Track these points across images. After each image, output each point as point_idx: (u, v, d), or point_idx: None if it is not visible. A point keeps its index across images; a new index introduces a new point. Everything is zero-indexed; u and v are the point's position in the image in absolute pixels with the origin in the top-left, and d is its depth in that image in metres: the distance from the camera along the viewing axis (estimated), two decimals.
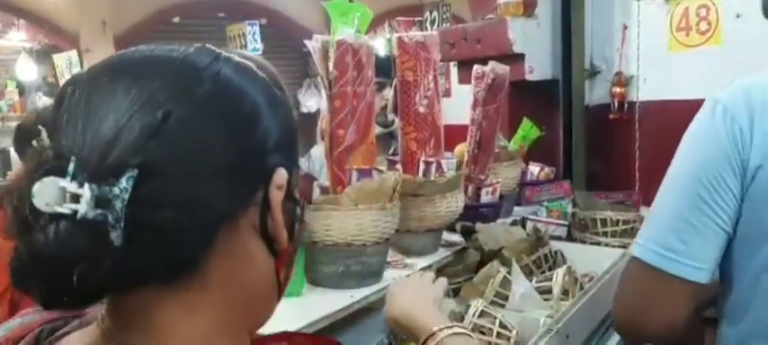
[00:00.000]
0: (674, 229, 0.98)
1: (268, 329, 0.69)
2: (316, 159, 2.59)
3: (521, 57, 2.63)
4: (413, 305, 1.14)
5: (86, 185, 0.49)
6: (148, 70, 0.56)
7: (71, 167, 0.49)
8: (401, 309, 1.14)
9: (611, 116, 2.80)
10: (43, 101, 7.02)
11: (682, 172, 1.01)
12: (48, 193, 0.49)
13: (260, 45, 7.16)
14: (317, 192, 1.52)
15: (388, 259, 1.63)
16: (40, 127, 2.09)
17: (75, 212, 0.48)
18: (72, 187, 0.49)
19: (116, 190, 0.49)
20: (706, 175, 0.97)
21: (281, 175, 0.59)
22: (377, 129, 2.86)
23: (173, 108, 0.53)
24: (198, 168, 0.53)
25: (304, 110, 8.49)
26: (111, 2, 6.78)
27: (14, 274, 0.51)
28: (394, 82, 2.10)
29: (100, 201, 0.49)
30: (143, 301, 0.56)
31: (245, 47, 7.00)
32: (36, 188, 0.48)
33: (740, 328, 1.01)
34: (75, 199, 0.49)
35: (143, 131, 0.51)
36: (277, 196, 0.58)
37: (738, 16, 2.49)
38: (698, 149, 1.00)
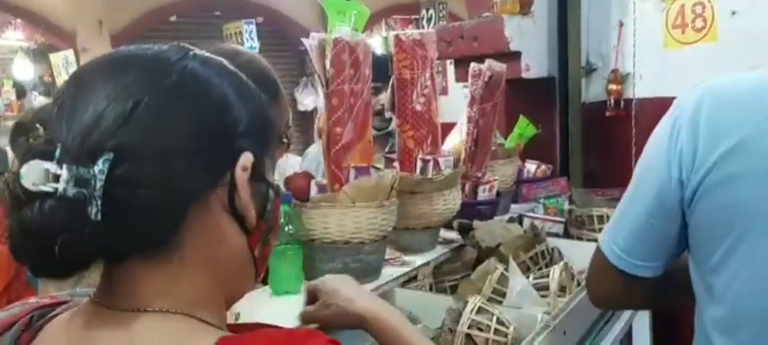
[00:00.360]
0: (632, 233, 1.03)
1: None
2: (313, 157, 2.60)
3: (517, 54, 2.63)
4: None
5: (66, 167, 0.56)
6: (125, 65, 0.64)
7: (58, 152, 0.57)
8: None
9: (607, 113, 2.81)
10: (39, 100, 7.01)
11: (637, 186, 1.04)
12: (34, 174, 0.56)
13: (256, 43, 7.16)
14: (314, 190, 1.53)
15: (386, 256, 1.63)
16: (37, 125, 2.09)
17: (56, 190, 0.56)
18: (54, 168, 0.56)
19: (94, 171, 0.57)
20: (654, 202, 0.99)
21: (246, 158, 0.64)
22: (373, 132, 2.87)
23: (143, 97, 0.59)
24: (167, 150, 0.60)
25: (301, 108, 8.50)
26: (108, 1, 6.77)
27: (10, 246, 0.59)
28: (391, 79, 2.11)
29: (79, 181, 0.56)
30: (128, 271, 0.63)
31: (242, 45, 6.99)
32: (24, 169, 0.56)
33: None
34: (57, 179, 0.56)
35: (116, 119, 0.58)
36: (242, 176, 0.64)
37: (734, 13, 2.50)
38: (650, 166, 1.01)
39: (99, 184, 0.56)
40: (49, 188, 0.56)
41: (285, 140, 1.57)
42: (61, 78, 6.57)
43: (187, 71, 0.64)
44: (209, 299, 0.66)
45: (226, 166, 0.64)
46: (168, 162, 0.59)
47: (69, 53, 6.47)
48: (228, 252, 0.66)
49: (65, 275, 0.61)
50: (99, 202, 0.56)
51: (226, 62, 0.70)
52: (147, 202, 0.58)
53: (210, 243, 0.64)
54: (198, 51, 0.68)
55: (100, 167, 0.56)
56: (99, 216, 0.56)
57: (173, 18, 7.49)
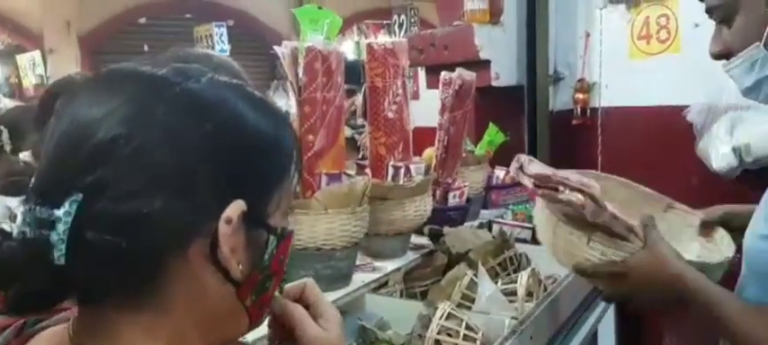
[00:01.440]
0: None
1: None
2: None
3: (487, 63, 2.68)
4: None
5: (27, 207, 0.53)
6: (114, 90, 0.58)
7: (30, 187, 0.54)
8: None
9: (574, 121, 2.87)
10: (5, 103, 6.87)
11: None
12: None
13: (227, 46, 7.12)
14: None
15: (358, 262, 1.65)
16: (1, 127, 2.06)
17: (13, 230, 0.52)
18: (15, 207, 0.53)
19: (58, 213, 0.52)
20: None
21: (234, 208, 0.58)
22: (347, 131, 2.89)
23: (124, 131, 0.54)
24: (143, 194, 0.54)
25: None
26: (76, 2, 6.68)
27: None
28: (363, 87, 2.13)
29: (41, 222, 0.52)
30: (104, 315, 0.58)
31: (213, 48, 6.95)
32: None
33: None
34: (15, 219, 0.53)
35: (91, 155, 0.54)
36: (225, 229, 0.57)
37: (697, 26, 2.57)
38: None
39: (64, 227, 0.52)
40: (7, 227, 0.53)
41: None
42: (27, 79, 6.46)
43: (180, 101, 0.58)
44: None
45: (210, 215, 0.58)
46: (143, 207, 0.54)
47: (36, 54, 6.38)
48: (212, 303, 0.61)
49: (33, 311, 0.57)
50: (64, 246, 0.52)
51: (237, 87, 0.63)
52: (117, 249, 0.54)
53: (191, 295, 0.60)
54: (204, 75, 0.61)
55: (66, 209, 0.52)
56: (62, 261, 0.52)
57: (142, 20, 7.42)
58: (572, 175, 1.21)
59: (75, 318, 0.61)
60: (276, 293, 0.71)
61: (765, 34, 1.02)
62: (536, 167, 1.26)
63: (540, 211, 1.38)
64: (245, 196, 0.59)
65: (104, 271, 0.55)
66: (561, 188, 1.16)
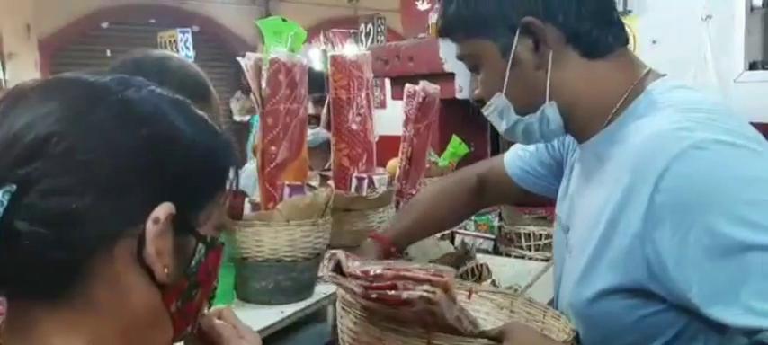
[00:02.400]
0: None
1: None
2: (250, 174, 2.59)
3: (451, 75, 2.71)
4: None
5: None
6: (56, 92, 0.60)
7: None
8: None
9: None
10: None
11: None
12: None
13: (192, 52, 7.04)
14: (247, 209, 1.53)
15: (319, 273, 1.65)
16: None
17: None
18: None
19: None
20: None
21: (162, 209, 0.60)
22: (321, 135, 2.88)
23: (59, 129, 0.57)
24: (73, 190, 0.56)
25: (236, 118, 8.41)
26: (36, 5, 6.55)
27: None
28: (327, 98, 2.13)
29: None
30: (29, 311, 0.60)
31: (177, 54, 6.87)
32: None
33: None
34: None
35: (27, 149, 0.56)
36: (152, 228, 0.59)
37: (654, 42, 2.65)
38: None
39: None
40: None
41: None
42: None
43: (118, 107, 0.60)
44: None
45: (139, 215, 0.59)
46: (72, 201, 0.56)
47: None
48: (136, 306, 0.62)
49: None
50: None
51: (178, 102, 0.65)
52: (46, 241, 0.56)
53: (116, 295, 0.61)
54: (146, 86, 0.64)
55: (0, 198, 0.54)
56: None
57: (105, 24, 7.31)
58: (413, 266, 0.93)
59: (4, 318, 0.62)
60: (205, 310, 0.73)
61: (505, 84, 1.05)
62: (360, 263, 0.95)
63: (352, 322, 1.01)
64: (176, 201, 0.61)
65: (32, 264, 0.57)
66: (401, 285, 0.86)
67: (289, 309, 1.49)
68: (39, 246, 0.56)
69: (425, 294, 0.84)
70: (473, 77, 1.14)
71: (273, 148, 1.51)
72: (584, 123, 1.07)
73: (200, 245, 0.65)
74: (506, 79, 1.05)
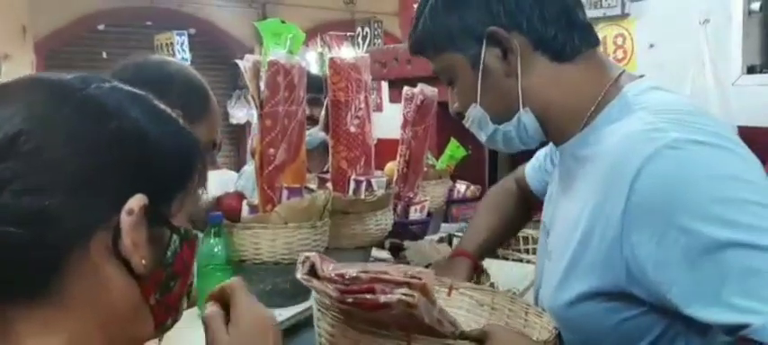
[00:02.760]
0: None
1: None
2: (249, 176, 2.59)
3: None
4: None
5: None
6: (23, 92, 0.62)
7: None
8: None
9: None
10: None
11: None
12: None
13: (189, 55, 7.04)
14: (246, 211, 1.53)
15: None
16: None
17: None
18: None
19: None
20: None
21: (135, 200, 0.61)
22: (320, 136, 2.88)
23: (27, 127, 0.58)
24: (44, 187, 0.57)
25: (233, 121, 8.40)
26: (32, 7, 6.53)
27: None
28: (326, 100, 2.13)
29: None
30: (5, 313, 0.59)
31: (174, 56, 6.87)
32: None
33: None
34: None
35: None
36: (127, 220, 0.61)
37: (651, 46, 2.65)
38: None
39: None
40: None
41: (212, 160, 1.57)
42: None
43: (83, 104, 0.62)
44: None
45: (111, 208, 0.61)
46: (44, 198, 0.57)
47: None
48: (114, 299, 0.63)
49: None
50: None
51: (139, 96, 0.67)
52: (19, 241, 0.56)
53: (93, 290, 0.61)
54: (107, 82, 0.65)
55: None
56: None
57: (101, 26, 7.29)
58: (390, 268, 0.88)
59: None
60: (185, 306, 0.74)
61: (478, 94, 1.08)
62: (334, 266, 0.91)
63: (329, 325, 0.98)
64: (147, 193, 0.62)
65: (6, 265, 0.57)
66: (378, 288, 0.82)
67: (286, 312, 1.48)
68: (13, 246, 0.56)
69: (404, 297, 0.81)
70: (451, 91, 1.17)
71: (272, 150, 1.50)
72: (560, 127, 1.08)
73: (175, 236, 0.67)
74: (479, 89, 1.07)
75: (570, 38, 1.05)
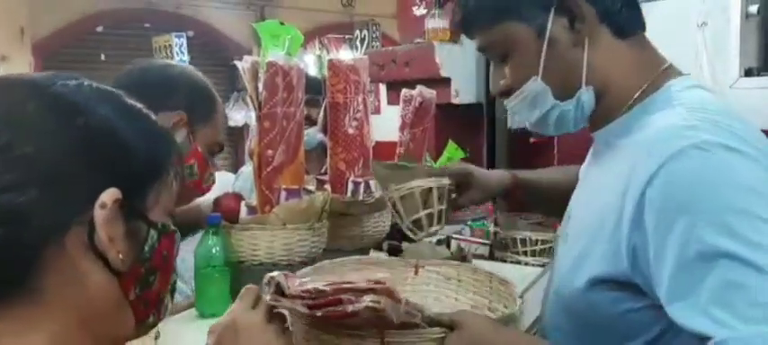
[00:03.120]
0: None
1: None
2: (247, 177, 2.59)
3: (447, 81, 2.70)
4: None
5: None
6: None
7: None
8: None
9: (532, 139, 2.91)
10: None
11: None
12: None
13: (187, 57, 7.04)
14: (244, 212, 1.53)
15: (267, 297, 1.64)
16: None
17: None
18: None
19: None
20: None
21: (108, 195, 0.61)
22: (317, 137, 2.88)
23: None
24: (16, 185, 0.58)
25: (231, 123, 8.39)
26: (31, 8, 6.52)
27: None
28: (324, 102, 2.13)
29: None
30: None
31: (172, 58, 6.87)
32: None
33: None
34: None
35: None
36: (100, 214, 0.61)
37: None
38: None
39: None
40: None
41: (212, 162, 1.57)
42: None
43: (50, 100, 0.62)
44: (72, 343, 0.63)
45: (85, 203, 0.61)
46: (17, 196, 0.57)
47: None
48: (94, 295, 0.63)
49: None
50: None
51: (107, 92, 0.67)
52: None
53: (71, 286, 0.61)
54: (73, 79, 0.66)
55: None
56: None
57: (100, 28, 7.28)
58: (353, 277, 0.96)
59: None
60: (169, 303, 0.74)
61: (541, 67, 1.03)
62: (300, 282, 0.93)
63: (303, 331, 0.96)
64: (120, 187, 0.63)
65: None
66: (345, 298, 0.85)
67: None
68: None
69: (371, 304, 0.83)
70: (497, 69, 1.11)
71: (270, 152, 1.50)
72: (606, 110, 1.05)
73: (152, 231, 0.67)
74: (542, 61, 1.02)
75: (632, 14, 1.03)
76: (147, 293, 0.68)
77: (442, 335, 0.91)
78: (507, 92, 1.10)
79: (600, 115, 1.06)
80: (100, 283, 0.63)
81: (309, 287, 0.89)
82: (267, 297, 0.93)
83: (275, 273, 0.94)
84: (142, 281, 0.67)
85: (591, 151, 1.16)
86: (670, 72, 1.04)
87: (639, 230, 0.88)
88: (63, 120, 0.61)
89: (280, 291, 0.92)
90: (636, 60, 1.04)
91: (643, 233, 0.88)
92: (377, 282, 0.87)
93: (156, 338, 1.14)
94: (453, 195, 1.50)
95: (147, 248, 0.66)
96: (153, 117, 0.71)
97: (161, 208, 0.69)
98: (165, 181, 0.70)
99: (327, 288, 0.87)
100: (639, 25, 1.06)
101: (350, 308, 0.84)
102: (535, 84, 1.04)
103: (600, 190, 1.00)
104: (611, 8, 1.02)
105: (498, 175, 1.60)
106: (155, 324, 0.73)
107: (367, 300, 0.84)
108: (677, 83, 1.01)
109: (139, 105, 0.70)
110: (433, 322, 0.92)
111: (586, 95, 1.03)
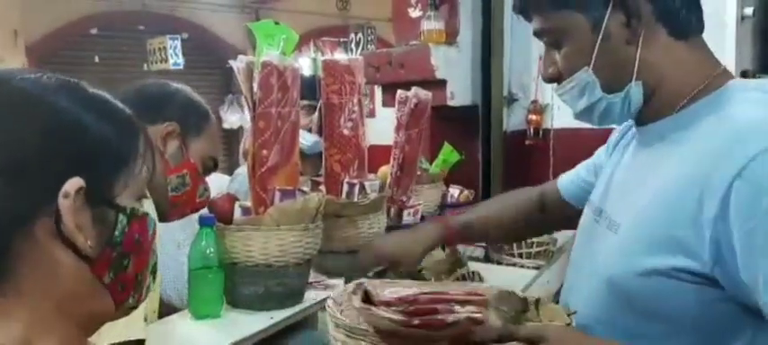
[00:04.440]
0: None
1: None
2: (243, 179, 2.57)
3: (442, 83, 2.70)
4: None
5: None
6: None
7: None
8: None
9: (527, 142, 2.91)
10: None
11: None
12: None
13: (181, 59, 7.02)
14: (238, 213, 1.51)
15: (310, 279, 1.63)
16: None
17: None
18: None
19: None
20: None
21: (71, 184, 0.62)
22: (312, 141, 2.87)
23: None
24: None
25: (226, 125, 8.36)
26: (24, 11, 6.48)
27: None
28: (319, 103, 2.12)
29: None
30: None
31: (166, 61, 6.84)
32: None
33: None
34: None
35: None
36: (64, 202, 0.62)
37: None
38: None
39: None
40: None
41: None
42: None
43: (10, 94, 0.64)
44: (52, 331, 0.64)
45: (49, 193, 0.62)
46: None
47: None
48: (66, 281, 0.65)
49: None
50: None
51: (67, 82, 0.69)
52: None
53: (44, 273, 0.63)
54: (33, 73, 0.67)
55: None
56: None
57: (94, 30, 7.23)
58: (453, 288, 0.93)
59: None
60: (151, 284, 0.75)
61: (594, 59, 1.05)
62: (394, 290, 0.90)
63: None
64: (84, 175, 0.64)
65: None
66: (441, 308, 0.83)
67: (278, 315, 1.47)
68: None
69: (472, 315, 0.82)
70: (548, 53, 1.13)
71: (265, 152, 1.49)
72: (658, 105, 1.07)
73: (121, 215, 0.68)
74: (595, 53, 1.05)
75: (691, 16, 1.05)
76: (121, 276, 0.69)
77: None
78: (555, 78, 1.12)
79: (651, 109, 1.08)
80: (71, 269, 0.65)
81: (402, 295, 0.87)
82: (356, 305, 0.89)
83: (362, 280, 0.93)
84: (115, 265, 0.68)
85: (634, 142, 1.17)
86: (726, 75, 1.06)
87: (724, 222, 0.89)
88: (21, 114, 0.63)
89: (368, 299, 0.89)
90: (692, 61, 1.05)
91: (727, 225, 0.88)
92: (476, 294, 0.86)
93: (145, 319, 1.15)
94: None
95: (117, 233, 0.68)
96: (118, 105, 0.72)
97: (130, 193, 0.70)
98: (133, 166, 0.71)
99: (421, 297, 0.86)
100: (698, 28, 1.07)
101: (450, 318, 0.82)
102: (585, 75, 1.06)
103: (662, 179, 1.01)
104: (670, 8, 1.03)
105: (424, 235, 1.59)
106: (135, 305, 0.74)
107: (468, 310, 0.82)
108: (738, 83, 1.03)
109: (103, 94, 0.71)
110: (521, 337, 0.89)
111: (635, 90, 1.05)
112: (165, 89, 1.56)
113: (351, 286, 0.92)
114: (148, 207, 0.75)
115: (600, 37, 1.04)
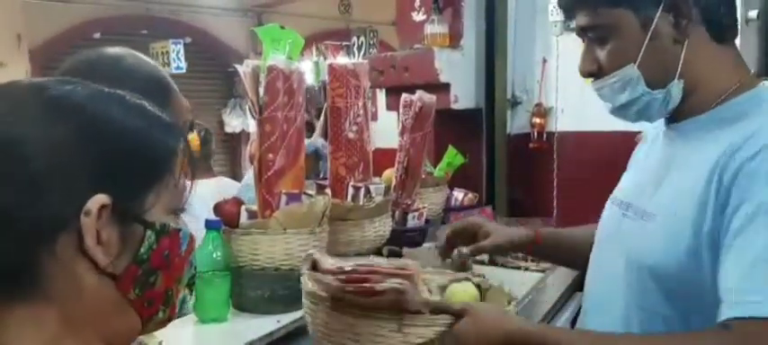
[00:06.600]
0: None
1: None
2: (251, 189, 2.58)
3: (446, 86, 2.70)
4: None
5: None
6: None
7: None
8: None
9: (531, 145, 2.91)
10: None
11: None
12: None
13: (184, 64, 7.03)
14: (244, 216, 1.52)
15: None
16: None
17: None
18: None
19: None
20: None
21: (93, 201, 0.61)
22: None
23: None
24: (6, 186, 0.59)
25: (228, 129, 8.38)
26: (27, 15, 6.49)
27: None
28: (324, 106, 2.13)
29: None
30: None
31: (169, 66, 6.85)
32: None
33: None
34: None
35: None
36: (85, 220, 0.60)
37: None
38: None
39: None
40: None
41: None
42: None
43: (42, 107, 0.62)
44: (80, 341, 0.64)
45: (74, 210, 0.61)
46: (5, 198, 0.59)
47: None
48: (90, 296, 0.64)
49: None
50: None
51: (103, 93, 0.67)
52: None
53: (68, 287, 0.62)
54: (69, 83, 0.66)
55: None
56: None
57: (97, 35, 7.25)
58: (379, 261, 1.10)
59: None
60: (188, 296, 0.75)
61: (640, 56, 1.09)
62: (333, 261, 1.08)
63: (324, 313, 1.08)
64: (112, 191, 0.62)
65: None
66: (373, 278, 0.98)
67: (285, 318, 1.47)
68: None
69: (396, 285, 0.97)
70: (589, 49, 1.16)
71: (271, 156, 1.50)
72: (694, 104, 1.12)
73: (149, 232, 0.66)
74: (642, 51, 1.09)
75: (729, 20, 1.11)
76: (149, 292, 0.67)
77: (452, 321, 1.03)
78: (594, 73, 1.16)
79: (684, 108, 1.13)
80: (94, 285, 0.63)
81: (343, 265, 1.04)
82: (304, 271, 1.06)
83: (312, 251, 1.12)
84: (141, 282, 0.66)
85: (660, 141, 1.22)
86: (756, 78, 1.14)
87: (730, 203, 0.99)
88: (52, 125, 0.62)
89: (314, 267, 1.06)
90: (727, 63, 1.12)
91: (731, 206, 0.99)
92: (402, 268, 1.02)
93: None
94: (464, 249, 1.54)
95: (143, 249, 0.65)
96: (157, 113, 0.70)
97: (162, 207, 0.67)
98: (167, 179, 0.68)
99: (359, 268, 1.02)
100: (733, 32, 1.13)
101: (378, 287, 0.97)
102: (631, 70, 1.10)
103: (693, 173, 1.07)
104: (715, 13, 1.09)
105: (515, 228, 1.64)
106: (167, 319, 0.72)
107: (393, 282, 0.97)
108: None
109: (142, 103, 0.69)
110: (444, 310, 1.04)
111: (676, 88, 1.10)
112: (119, 64, 1.39)
113: (305, 255, 1.10)
114: (191, 218, 0.72)
115: (649, 35, 1.08)
